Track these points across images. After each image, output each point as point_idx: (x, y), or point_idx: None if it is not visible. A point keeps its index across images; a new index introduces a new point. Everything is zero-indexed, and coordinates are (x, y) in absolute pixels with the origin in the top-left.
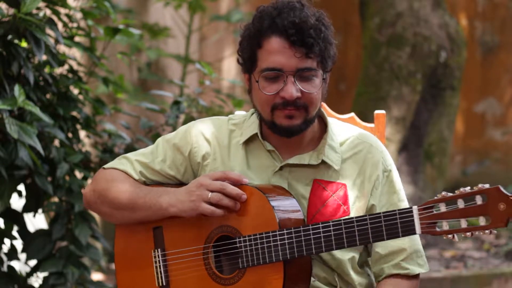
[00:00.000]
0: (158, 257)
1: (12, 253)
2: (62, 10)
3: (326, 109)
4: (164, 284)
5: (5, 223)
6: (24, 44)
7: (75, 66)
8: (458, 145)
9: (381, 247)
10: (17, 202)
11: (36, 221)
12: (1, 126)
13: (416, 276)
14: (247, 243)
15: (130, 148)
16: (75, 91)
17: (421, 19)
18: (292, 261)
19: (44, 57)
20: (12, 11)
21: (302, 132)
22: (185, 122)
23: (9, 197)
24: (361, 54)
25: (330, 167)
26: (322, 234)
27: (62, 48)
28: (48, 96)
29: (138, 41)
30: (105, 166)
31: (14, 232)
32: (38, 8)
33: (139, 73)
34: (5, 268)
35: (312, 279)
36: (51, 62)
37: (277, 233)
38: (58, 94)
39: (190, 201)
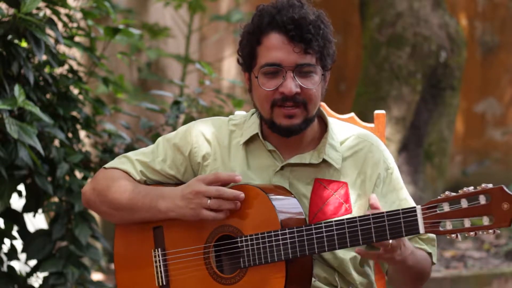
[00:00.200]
0: (158, 257)
1: (12, 253)
2: (62, 10)
3: (326, 109)
4: (164, 283)
5: (5, 223)
6: (24, 44)
7: (75, 66)
8: (458, 145)
9: None
10: (17, 202)
11: (36, 221)
12: (1, 126)
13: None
14: (249, 243)
15: (130, 148)
16: (75, 91)
17: (421, 19)
18: (294, 260)
19: (44, 57)
20: (12, 11)
21: (302, 131)
22: (185, 122)
23: (9, 197)
24: (361, 54)
25: (331, 166)
26: (324, 234)
27: (62, 48)
28: (48, 96)
29: (138, 41)
30: (106, 165)
31: (14, 232)
32: (38, 8)
33: (139, 73)
34: (5, 268)
35: (313, 279)
36: (51, 62)
37: (279, 232)
38: (58, 94)
39: (190, 208)
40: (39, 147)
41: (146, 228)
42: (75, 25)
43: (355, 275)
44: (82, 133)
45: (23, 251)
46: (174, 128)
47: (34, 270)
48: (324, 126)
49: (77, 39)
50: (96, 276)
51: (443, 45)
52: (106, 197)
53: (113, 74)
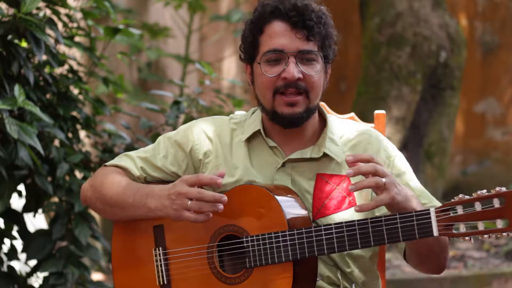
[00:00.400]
0: (159, 256)
1: (12, 253)
2: (62, 10)
3: (326, 108)
4: (165, 283)
5: (5, 223)
6: (24, 44)
7: (75, 66)
8: (458, 145)
9: None
10: (17, 202)
11: (36, 221)
12: (1, 126)
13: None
14: (255, 243)
15: (130, 148)
16: (75, 91)
17: (421, 19)
18: (300, 260)
19: (44, 57)
20: (12, 11)
21: (303, 122)
22: (185, 122)
23: (9, 197)
24: (361, 54)
25: (332, 160)
26: (334, 235)
27: (62, 48)
28: (48, 96)
29: (138, 41)
30: (107, 163)
31: (14, 232)
32: (38, 8)
33: (139, 73)
34: (5, 268)
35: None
36: (51, 62)
37: (287, 233)
38: (58, 94)
39: (173, 209)
40: (39, 147)
41: (146, 226)
42: (75, 25)
43: (357, 273)
44: (82, 133)
45: (23, 251)
46: (174, 128)
47: (34, 270)
48: (323, 122)
49: (77, 39)
50: (96, 276)
51: (443, 45)
52: (100, 193)
53: (113, 74)
